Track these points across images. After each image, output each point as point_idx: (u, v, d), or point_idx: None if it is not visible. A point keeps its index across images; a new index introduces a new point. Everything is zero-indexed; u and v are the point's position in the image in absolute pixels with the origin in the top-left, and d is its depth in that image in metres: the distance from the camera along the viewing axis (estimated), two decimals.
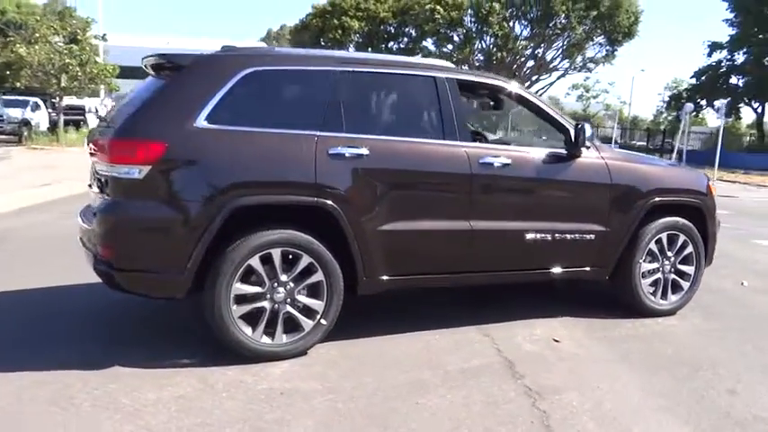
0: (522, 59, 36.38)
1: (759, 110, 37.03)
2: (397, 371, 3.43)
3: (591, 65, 38.62)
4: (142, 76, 4.02)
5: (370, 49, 35.85)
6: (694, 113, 36.98)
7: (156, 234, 3.32)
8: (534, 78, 37.51)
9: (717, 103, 32.89)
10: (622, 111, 53.63)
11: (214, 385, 3.19)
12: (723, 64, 36.71)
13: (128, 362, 3.40)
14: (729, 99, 31.54)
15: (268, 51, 3.83)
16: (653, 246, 4.48)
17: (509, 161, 3.96)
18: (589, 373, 3.50)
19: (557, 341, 3.98)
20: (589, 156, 4.24)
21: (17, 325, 4.00)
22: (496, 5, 30.95)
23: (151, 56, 3.71)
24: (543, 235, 4.11)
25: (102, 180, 3.42)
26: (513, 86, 4.35)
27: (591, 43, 36.03)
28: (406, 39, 37.17)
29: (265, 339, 3.47)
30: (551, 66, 37.75)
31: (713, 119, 41.28)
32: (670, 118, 44.76)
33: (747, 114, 40.46)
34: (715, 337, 4.26)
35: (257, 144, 3.43)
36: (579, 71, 40.11)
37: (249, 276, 3.41)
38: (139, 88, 3.94)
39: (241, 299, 3.41)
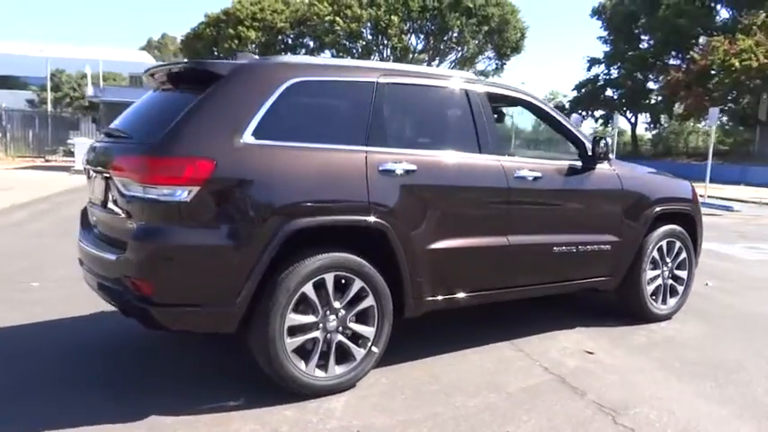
0: None
1: (632, 120, 40.38)
2: (461, 396, 3.28)
3: (481, 78, 40.29)
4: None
5: None
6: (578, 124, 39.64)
7: (205, 263, 2.97)
8: None
9: (573, 116, 35.61)
10: None
11: (278, 428, 2.89)
12: (600, 78, 39.70)
13: (169, 407, 3.02)
14: (609, 110, 34.20)
15: (309, 60, 3.56)
16: (655, 253, 4.65)
17: (539, 174, 3.96)
18: (642, 385, 3.53)
19: (590, 353, 4.00)
20: (603, 167, 4.33)
21: (32, 364, 3.54)
22: (395, 19, 31.45)
23: (172, 65, 3.34)
24: (569, 247, 4.14)
25: (131, 203, 3.00)
26: (532, 98, 4.35)
27: (482, 57, 37.59)
28: (303, 50, 36.78)
29: (319, 372, 3.21)
30: None
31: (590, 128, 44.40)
32: None
33: (623, 124, 43.90)
34: (723, 338, 4.47)
35: (308, 161, 3.18)
36: None
37: (301, 305, 3.14)
38: (150, 100, 3.56)
39: (294, 330, 3.12)
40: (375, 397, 3.25)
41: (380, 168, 3.32)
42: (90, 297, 3.69)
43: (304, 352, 3.17)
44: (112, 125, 3.59)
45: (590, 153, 4.24)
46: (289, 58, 3.44)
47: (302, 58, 3.44)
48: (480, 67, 39.16)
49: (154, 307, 2.93)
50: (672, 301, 4.84)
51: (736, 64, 26.64)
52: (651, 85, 37.84)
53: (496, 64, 38.45)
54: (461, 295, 3.73)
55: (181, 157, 2.89)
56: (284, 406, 3.09)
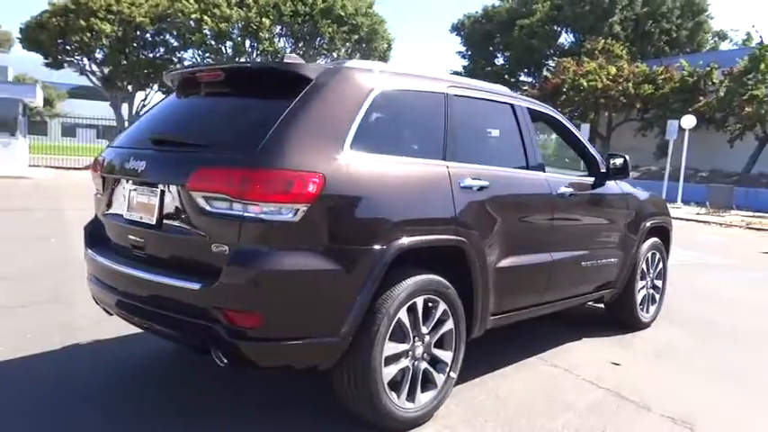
0: None
1: None
2: (542, 419, 3.23)
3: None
4: None
5: (123, 56, 32.76)
6: None
7: (315, 291, 2.64)
8: None
9: None
10: None
11: None
12: None
13: None
14: None
15: (389, 68, 3.31)
16: (643, 265, 4.94)
17: (572, 190, 4.03)
18: (693, 394, 3.71)
19: (617, 364, 4.14)
20: (610, 184, 4.52)
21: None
22: (266, 21, 30.76)
23: (240, 65, 2.93)
24: (592, 261, 4.28)
25: (219, 222, 2.58)
26: (556, 114, 4.42)
27: None
28: (162, 48, 34.72)
29: (408, 404, 2.99)
30: None
31: None
32: None
33: None
34: (711, 343, 4.86)
35: (404, 176, 2.97)
36: None
37: (395, 332, 2.90)
38: (202, 104, 3.19)
39: (389, 360, 2.88)
40: (463, 426, 3.10)
41: (461, 184, 3.18)
42: None
43: (394, 383, 2.94)
44: (156, 131, 3.08)
45: (603, 170, 4.40)
46: (370, 64, 3.17)
47: (384, 66, 3.18)
48: None
49: (252, 342, 2.55)
50: (652, 309, 5.17)
51: (584, 84, 29.38)
52: None
53: None
54: (513, 313, 3.70)
55: (290, 171, 2.53)
56: None
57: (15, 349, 3.80)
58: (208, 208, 2.59)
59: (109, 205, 3.25)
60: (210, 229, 2.61)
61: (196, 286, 2.57)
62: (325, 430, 2.98)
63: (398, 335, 2.91)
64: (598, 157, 4.47)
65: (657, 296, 5.23)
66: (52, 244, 7.58)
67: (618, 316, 4.97)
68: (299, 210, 2.53)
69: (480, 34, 40.22)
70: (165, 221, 2.82)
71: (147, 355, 3.94)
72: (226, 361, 2.60)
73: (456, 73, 41.64)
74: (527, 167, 3.79)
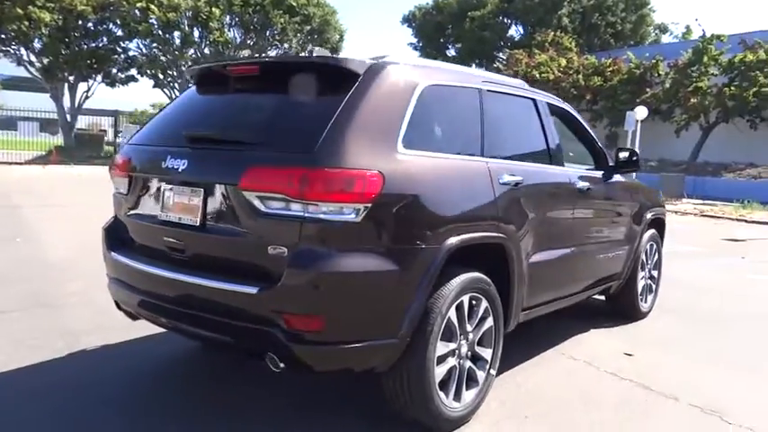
0: None
1: None
2: (570, 412, 3.25)
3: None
4: None
5: (64, 46, 31.32)
6: None
7: (376, 292, 2.56)
8: None
9: None
10: None
11: None
12: None
13: None
14: None
15: (429, 63, 3.22)
16: (643, 255, 5.03)
17: (589, 184, 4.04)
18: (711, 382, 3.79)
19: (630, 354, 4.19)
20: (617, 177, 4.56)
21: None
22: (216, 11, 29.96)
23: (278, 59, 2.80)
24: (605, 253, 4.33)
25: (277, 223, 2.47)
26: (570, 108, 4.41)
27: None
28: (105, 38, 33.32)
29: (454, 403, 2.95)
30: None
31: None
32: None
33: None
34: (708, 330, 5.00)
35: (451, 173, 2.95)
36: None
37: (445, 332, 2.85)
38: (237, 99, 3.08)
39: (439, 360, 2.83)
40: (507, 423, 3.08)
41: (500, 181, 3.14)
42: None
43: (442, 383, 2.89)
44: (195, 128, 2.91)
45: (611, 163, 4.44)
46: (411, 58, 3.09)
47: (421, 60, 3.11)
48: None
49: (312, 346, 2.47)
50: (650, 299, 5.27)
51: (537, 76, 29.87)
52: None
53: None
54: (540, 307, 3.70)
55: (351, 170, 2.45)
56: None
57: (21, 358, 3.59)
58: (262, 208, 2.48)
59: (136, 206, 3.10)
60: (266, 231, 2.50)
61: (253, 290, 2.46)
62: (358, 430, 2.91)
63: (447, 334, 2.86)
64: (605, 151, 4.50)
65: (654, 286, 5.34)
66: (18, 244, 7.18)
67: (619, 306, 5.05)
68: (360, 209, 2.45)
69: (432, 26, 40.36)
70: (208, 222, 2.70)
71: (163, 357, 3.83)
72: (282, 366, 2.50)
73: None
74: (550, 162, 3.78)
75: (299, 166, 2.42)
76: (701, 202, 18.85)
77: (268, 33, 33.85)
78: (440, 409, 2.82)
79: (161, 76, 33.13)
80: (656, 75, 28.50)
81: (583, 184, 3.96)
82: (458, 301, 2.86)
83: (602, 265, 4.36)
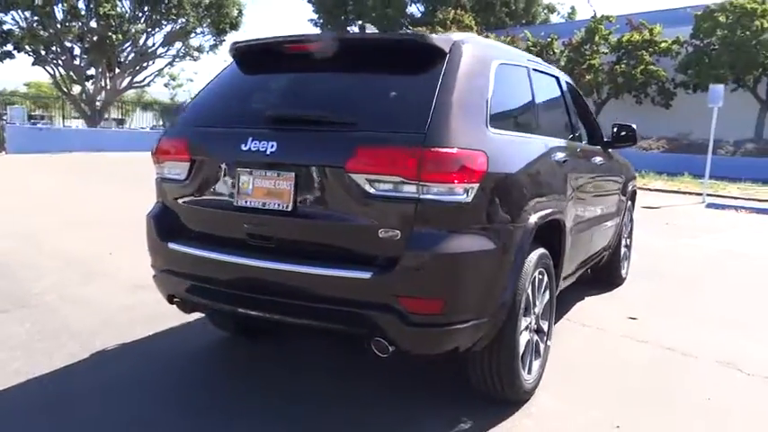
0: (127, 45, 33.67)
1: None
2: (609, 376, 3.45)
3: (196, 53, 38.45)
4: None
5: None
6: None
7: (485, 272, 2.59)
8: (138, 67, 35.18)
9: None
10: None
11: None
12: None
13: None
14: None
15: (490, 41, 3.21)
16: (623, 226, 5.36)
17: (600, 159, 4.26)
18: (714, 339, 4.14)
19: (634, 318, 4.50)
20: (609, 153, 4.82)
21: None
22: None
23: (363, 36, 2.75)
24: (608, 223, 4.58)
25: (389, 205, 2.43)
26: (574, 85, 4.57)
27: (198, 32, 35.88)
28: None
29: (527, 375, 3.04)
30: (151, 52, 36.11)
31: None
32: None
33: None
34: (688, 291, 5.43)
35: (529, 152, 3.03)
36: (183, 59, 39.51)
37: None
38: (320, 78, 2.95)
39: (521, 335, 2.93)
40: (566, 390, 3.22)
41: (554, 158, 3.25)
42: None
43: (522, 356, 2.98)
44: (280, 109, 2.80)
45: (606, 139, 4.68)
46: (479, 36, 3.08)
47: (481, 38, 3.11)
48: (195, 42, 37.37)
49: (428, 328, 2.47)
50: (626, 265, 5.64)
51: None
52: None
53: (215, 40, 37.12)
54: (570, 277, 3.87)
55: (463, 150, 2.45)
56: (513, 418, 2.89)
57: (34, 364, 3.27)
58: (371, 191, 2.43)
59: (200, 192, 2.89)
60: (376, 213, 2.45)
61: (366, 275, 2.41)
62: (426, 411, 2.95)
63: (526, 310, 2.94)
64: (595, 123, 4.73)
65: (628, 253, 5.71)
66: None
67: (604, 274, 5.35)
68: (470, 189, 2.46)
69: (332, 1, 39.87)
70: (301, 207, 2.59)
71: (196, 349, 3.64)
72: (391, 350, 2.47)
73: None
74: (573, 138, 3.93)
75: (414, 146, 2.39)
76: None
77: (162, 7, 32.01)
78: (521, 382, 2.92)
79: (43, 53, 30.46)
80: (552, 53, 29.94)
81: (596, 159, 4.16)
82: (532, 277, 2.94)
83: (606, 235, 4.63)
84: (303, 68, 2.95)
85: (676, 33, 25.71)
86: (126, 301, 4.48)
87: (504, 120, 2.96)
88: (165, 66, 38.47)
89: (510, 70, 3.18)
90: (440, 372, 3.35)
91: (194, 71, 77.45)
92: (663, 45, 26.34)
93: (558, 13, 47.30)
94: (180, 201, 2.98)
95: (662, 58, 26.36)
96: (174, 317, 3.77)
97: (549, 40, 29.80)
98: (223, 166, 2.81)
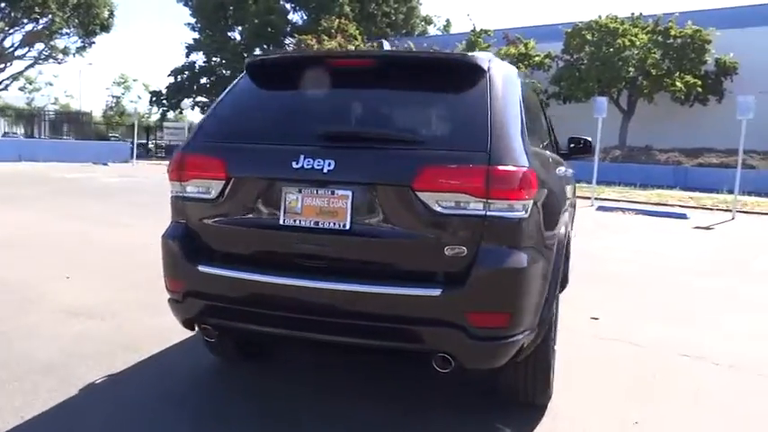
0: None
1: None
2: (605, 371, 3.66)
3: (61, 56, 35.76)
4: None
5: None
6: (179, 110, 39.01)
7: (539, 285, 2.64)
8: None
9: (185, 102, 35.77)
10: (69, 104, 52.11)
11: None
12: (197, 65, 39.74)
13: None
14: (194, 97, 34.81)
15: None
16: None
17: (566, 169, 4.50)
18: (683, 335, 4.48)
19: (596, 318, 4.79)
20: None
21: None
22: None
23: (409, 53, 2.67)
24: (569, 230, 4.82)
25: (454, 221, 2.45)
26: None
27: (64, 33, 33.42)
28: None
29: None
30: (8, 53, 33.15)
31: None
32: (155, 115, 45.05)
33: None
34: (634, 291, 5.83)
35: (551, 166, 3.21)
36: (45, 61, 36.59)
37: None
38: (366, 94, 2.91)
39: None
40: (563, 390, 3.36)
41: (558, 171, 3.41)
42: None
43: None
44: (332, 126, 2.72)
45: (563, 151, 4.95)
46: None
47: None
48: (60, 44, 34.74)
49: (493, 342, 2.48)
50: (569, 267, 5.99)
51: None
52: None
53: (82, 42, 34.68)
54: None
55: (521, 168, 2.49)
56: (543, 422, 2.98)
57: (24, 405, 2.89)
58: (437, 208, 2.42)
59: (236, 211, 2.72)
60: (441, 231, 2.45)
61: (435, 292, 2.39)
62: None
63: None
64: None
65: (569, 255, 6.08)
66: None
67: None
68: (527, 205, 2.51)
69: (211, 5, 38.64)
70: (358, 226, 2.53)
71: (190, 373, 3.38)
72: (452, 365, 2.47)
73: (193, 46, 39.52)
74: (553, 150, 4.13)
75: (481, 164, 2.41)
76: None
77: (23, 3, 29.40)
78: (551, 388, 3.02)
79: None
80: None
81: (565, 169, 4.39)
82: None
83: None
84: (346, 84, 2.89)
85: (549, 48, 27.73)
86: (77, 328, 4.10)
87: (531, 135, 3.05)
88: (26, 68, 35.46)
89: (524, 86, 3.29)
90: (440, 380, 3.38)
91: (54, 74, 71.78)
92: (537, 59, 28.26)
93: (435, 26, 49.25)
94: (210, 221, 2.78)
95: (536, 71, 28.26)
96: (138, 343, 3.54)
97: (431, 51, 30.95)
98: (268, 183, 2.68)
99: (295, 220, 2.59)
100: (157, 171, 21.97)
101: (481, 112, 2.56)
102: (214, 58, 38.99)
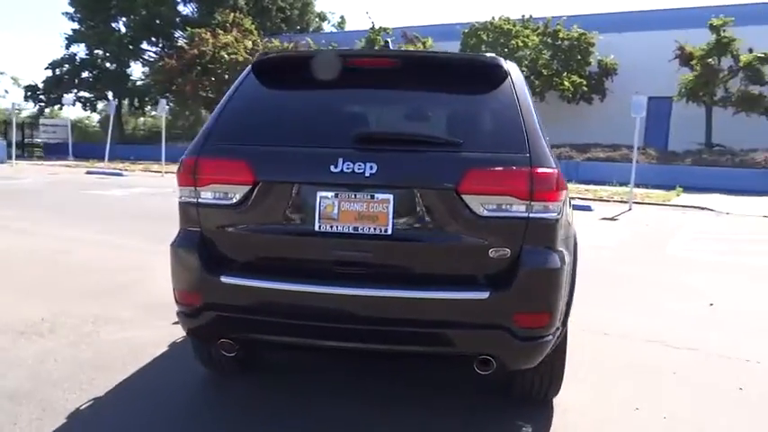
0: None
1: (116, 102, 39.23)
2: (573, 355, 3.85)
3: None
4: None
5: None
6: (59, 106, 36.18)
7: (570, 283, 2.74)
8: None
9: (66, 97, 33.39)
10: None
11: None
12: (78, 58, 36.97)
13: None
14: (95, 93, 32.53)
15: None
16: None
17: None
18: (638, 323, 4.78)
19: None
20: None
21: None
22: None
23: (433, 54, 2.66)
24: None
25: (498, 224, 2.47)
26: None
27: None
28: None
29: None
30: None
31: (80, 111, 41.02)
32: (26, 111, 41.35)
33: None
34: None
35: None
36: None
37: None
38: (395, 95, 2.90)
39: None
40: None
41: None
42: None
43: None
44: (379, 128, 2.74)
45: None
46: None
47: None
48: None
49: (535, 341, 2.54)
50: None
51: (225, 56, 29.59)
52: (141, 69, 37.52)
53: None
54: None
55: (555, 169, 2.55)
56: (556, 415, 3.08)
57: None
58: (483, 212, 2.43)
59: (263, 216, 2.58)
60: (486, 233, 2.47)
61: (484, 295, 2.40)
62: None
63: None
64: None
65: None
66: None
67: None
68: (559, 206, 2.58)
69: None
70: (400, 230, 2.49)
71: (187, 387, 3.17)
72: (494, 366, 2.51)
73: (73, 37, 36.72)
74: None
75: (524, 167, 2.45)
76: None
77: None
78: (561, 382, 3.11)
79: None
80: None
81: None
82: None
83: None
84: (373, 85, 2.82)
85: (446, 47, 28.42)
86: (32, 349, 3.72)
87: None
88: None
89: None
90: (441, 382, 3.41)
91: None
92: None
93: (329, 22, 49.05)
94: (232, 228, 2.62)
95: None
96: (107, 362, 3.41)
97: (329, 49, 30.79)
98: (297, 188, 2.56)
99: (331, 226, 2.51)
100: (42, 171, 20.32)
101: (513, 114, 2.61)
102: (97, 51, 36.46)
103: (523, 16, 27.23)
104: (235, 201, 2.59)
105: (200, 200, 2.64)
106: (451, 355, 2.66)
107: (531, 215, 2.46)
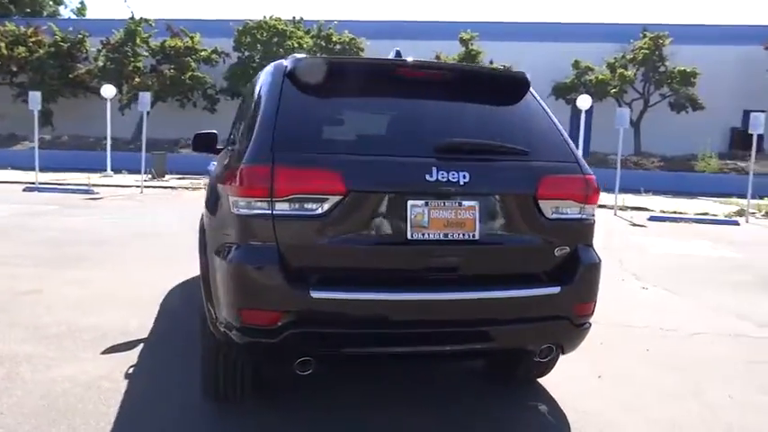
0: None
1: None
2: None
3: None
4: None
5: None
6: None
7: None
8: None
9: None
10: None
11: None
12: None
13: None
14: None
15: None
16: None
17: None
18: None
19: None
20: None
21: None
22: None
23: (479, 68, 2.92)
24: None
25: (561, 225, 2.79)
26: None
27: None
28: None
29: None
30: None
31: None
32: None
33: None
34: None
35: None
36: None
37: None
38: (448, 106, 3.00)
39: None
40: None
41: None
42: None
43: None
44: (466, 138, 2.71)
45: None
46: None
47: None
48: None
49: (584, 327, 2.89)
50: None
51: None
52: None
53: None
54: None
55: (593, 175, 2.90)
56: (549, 391, 3.48)
57: None
58: (550, 214, 2.73)
59: (350, 227, 2.50)
60: (553, 234, 2.76)
61: (556, 289, 2.69)
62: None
63: None
64: None
65: None
66: None
67: None
68: (595, 208, 2.94)
69: None
70: (484, 235, 2.65)
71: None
72: (554, 353, 2.88)
73: None
74: None
75: (579, 173, 2.80)
76: (182, 176, 19.63)
77: None
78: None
79: None
80: (84, 51, 27.81)
81: None
82: None
83: None
84: (432, 96, 2.93)
85: (217, 44, 27.42)
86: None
87: None
88: None
89: None
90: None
91: None
92: (203, 53, 27.63)
93: (66, 7, 43.89)
94: (316, 240, 2.46)
95: (203, 65, 27.64)
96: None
97: (79, 36, 27.60)
98: (388, 197, 2.53)
99: (423, 234, 2.56)
100: None
101: (551, 124, 2.93)
102: None
103: (294, 18, 27.60)
104: (321, 212, 2.44)
105: (275, 211, 2.42)
106: (523, 348, 2.91)
107: (583, 216, 2.82)
